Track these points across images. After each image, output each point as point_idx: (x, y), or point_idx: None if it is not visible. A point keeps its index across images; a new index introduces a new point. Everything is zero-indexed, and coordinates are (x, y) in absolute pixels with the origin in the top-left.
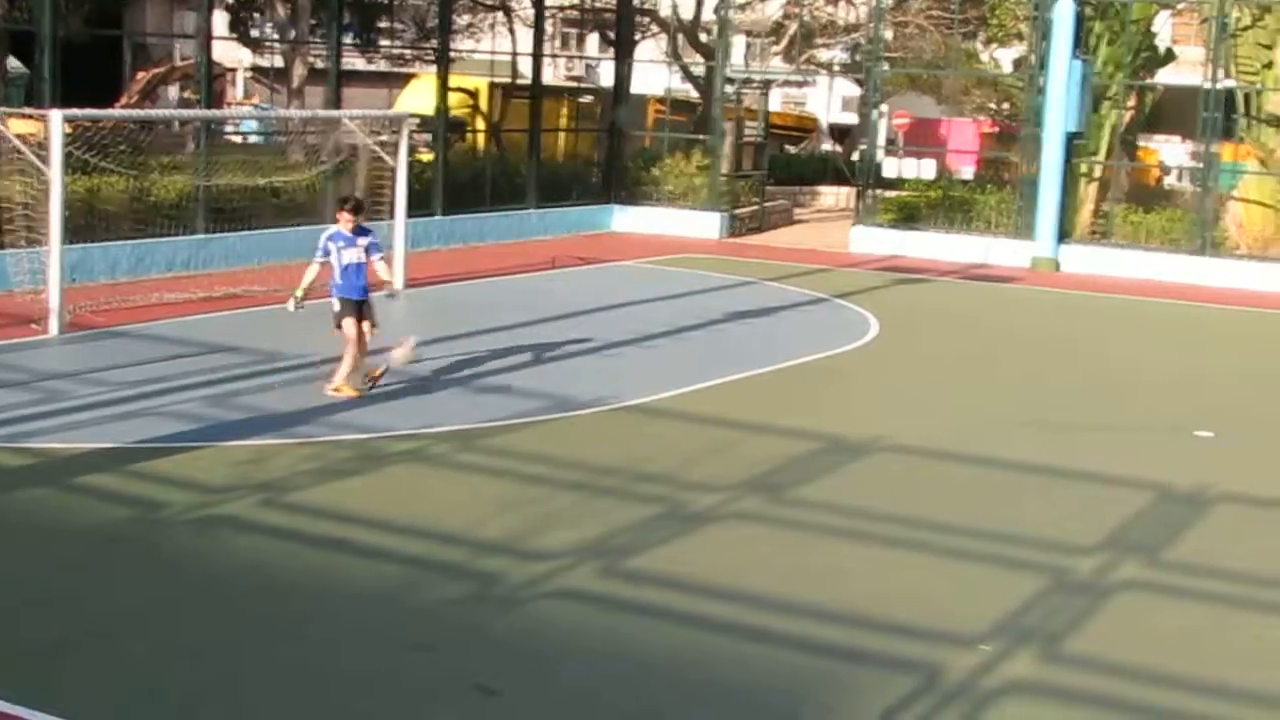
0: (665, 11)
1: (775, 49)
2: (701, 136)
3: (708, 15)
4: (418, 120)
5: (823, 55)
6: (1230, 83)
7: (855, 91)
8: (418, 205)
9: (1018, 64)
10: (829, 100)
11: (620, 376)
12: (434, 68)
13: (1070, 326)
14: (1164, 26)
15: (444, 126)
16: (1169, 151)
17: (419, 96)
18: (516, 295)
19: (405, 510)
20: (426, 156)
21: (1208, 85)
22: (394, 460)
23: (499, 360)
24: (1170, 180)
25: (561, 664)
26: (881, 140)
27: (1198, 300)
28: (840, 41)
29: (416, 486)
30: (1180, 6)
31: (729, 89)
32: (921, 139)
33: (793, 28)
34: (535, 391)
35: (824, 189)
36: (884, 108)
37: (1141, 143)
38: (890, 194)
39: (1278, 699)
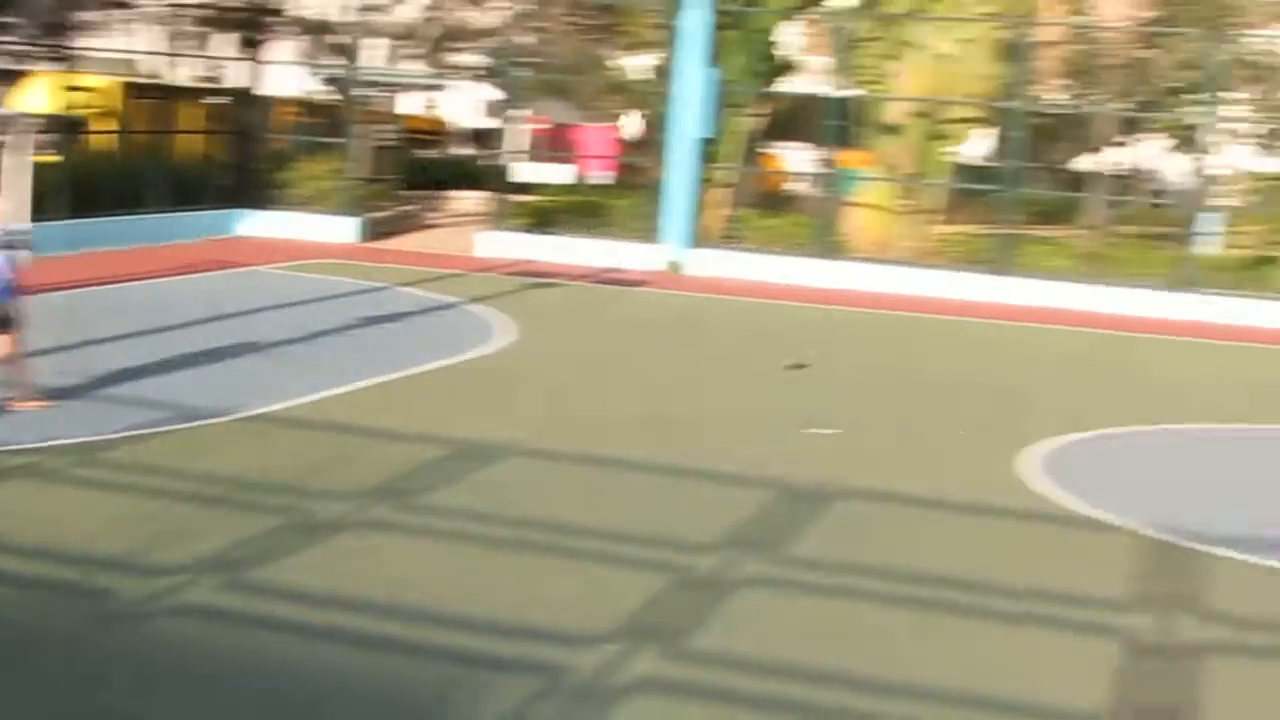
0: (301, 12)
1: (413, 52)
2: (336, 139)
3: (343, 16)
4: (37, 120)
5: (461, 59)
6: (854, 92)
7: (495, 95)
8: (40, 209)
9: (654, 71)
10: (468, 104)
11: (247, 385)
12: (56, 65)
13: (700, 329)
14: (795, 36)
15: (66, 127)
16: (795, 158)
17: (39, 95)
18: (144, 301)
19: (17, 528)
20: (49, 158)
21: (831, 94)
22: (7, 476)
23: (125, 370)
24: (795, 186)
25: (182, 680)
26: (517, 144)
27: (822, 302)
28: (479, 46)
29: (30, 504)
30: (808, 17)
31: (364, 92)
32: (558, 144)
33: (431, 31)
34: (160, 402)
35: (460, 193)
36: (521, 112)
37: (769, 149)
38: (525, 198)
39: (898, 688)
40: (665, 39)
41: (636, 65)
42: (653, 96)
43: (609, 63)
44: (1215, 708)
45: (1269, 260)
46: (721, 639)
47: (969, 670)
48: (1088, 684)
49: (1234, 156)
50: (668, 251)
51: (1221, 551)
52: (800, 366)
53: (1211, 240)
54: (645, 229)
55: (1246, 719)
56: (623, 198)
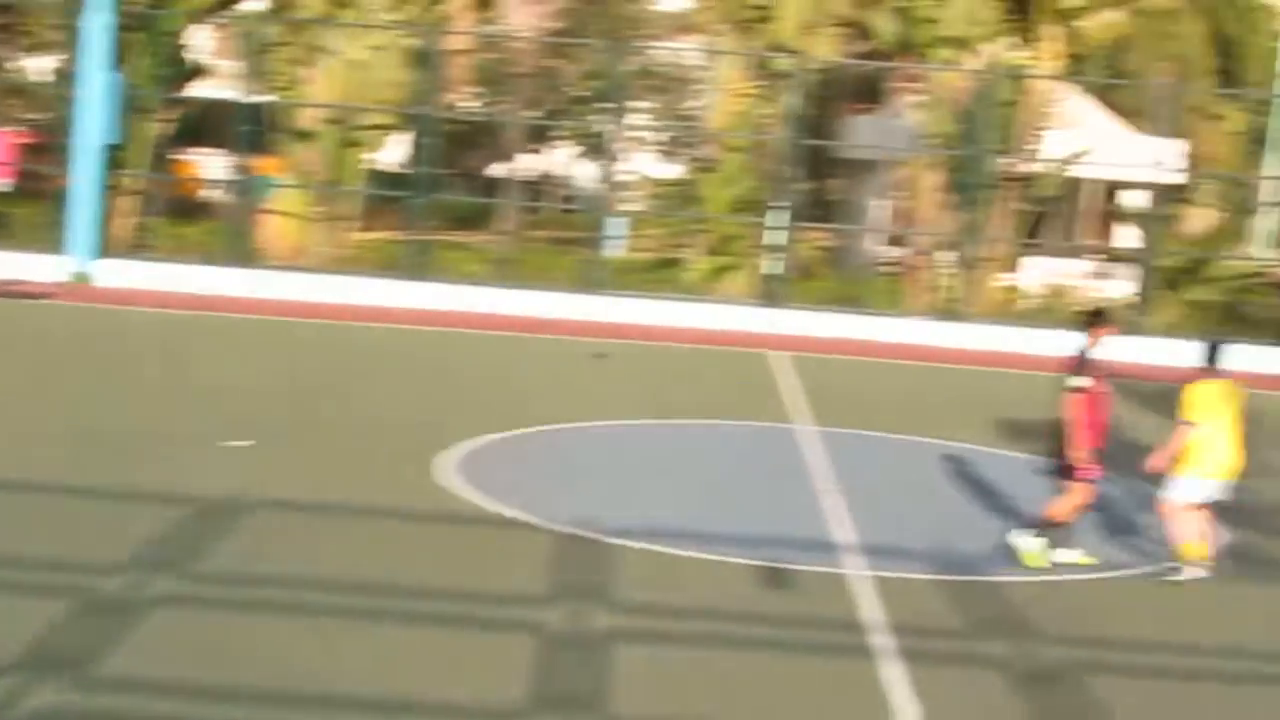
0: None
1: None
2: None
3: None
4: None
5: None
6: (266, 97)
7: None
8: None
9: (56, 74)
10: None
11: None
12: None
13: (110, 342)
14: (206, 40)
15: None
16: (209, 164)
17: None
18: None
19: None
20: None
21: (243, 99)
22: None
23: None
24: (210, 193)
25: None
26: None
27: (237, 311)
28: None
29: None
30: (217, 21)
31: None
32: None
33: None
34: None
35: None
36: None
37: (182, 155)
38: None
39: (314, 700)
40: (67, 40)
41: (37, 67)
42: (55, 100)
43: (8, 65)
44: (622, 692)
45: (671, 262)
46: (129, 662)
47: (384, 675)
48: (503, 679)
49: (638, 163)
50: (73, 262)
51: (626, 542)
52: (601, 356)
53: (618, 244)
54: (49, 239)
55: (650, 699)
56: (23, 206)
